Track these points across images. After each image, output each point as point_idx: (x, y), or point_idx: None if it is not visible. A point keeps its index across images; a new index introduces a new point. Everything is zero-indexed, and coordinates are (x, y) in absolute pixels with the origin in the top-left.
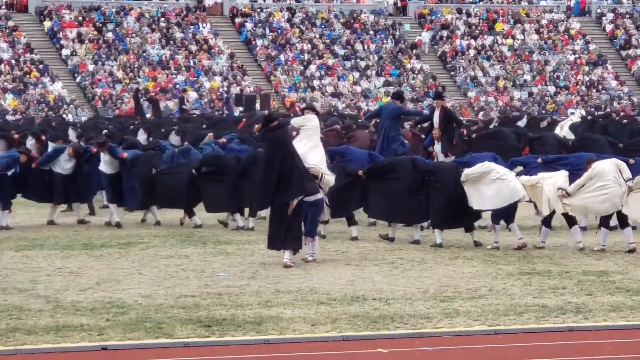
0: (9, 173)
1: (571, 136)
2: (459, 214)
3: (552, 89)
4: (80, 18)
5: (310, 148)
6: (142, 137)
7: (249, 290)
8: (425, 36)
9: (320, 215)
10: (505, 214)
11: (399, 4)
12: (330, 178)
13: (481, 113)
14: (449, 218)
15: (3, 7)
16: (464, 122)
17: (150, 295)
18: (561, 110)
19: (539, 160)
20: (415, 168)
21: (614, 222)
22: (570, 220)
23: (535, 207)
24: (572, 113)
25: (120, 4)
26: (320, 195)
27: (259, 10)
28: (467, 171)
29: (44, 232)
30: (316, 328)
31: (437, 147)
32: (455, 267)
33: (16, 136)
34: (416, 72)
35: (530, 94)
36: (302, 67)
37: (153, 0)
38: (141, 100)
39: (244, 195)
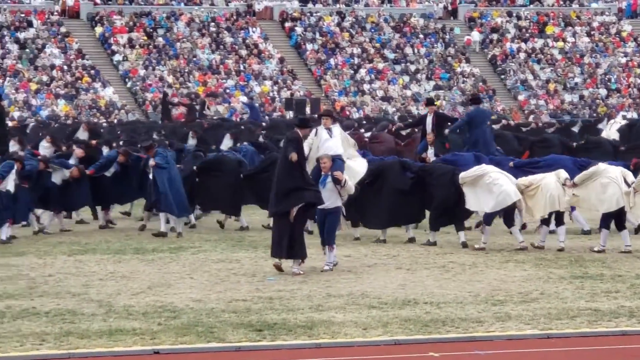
0: (108, 173)
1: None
2: (452, 213)
3: (603, 91)
4: (131, 23)
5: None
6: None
7: (300, 294)
8: (475, 35)
9: (337, 223)
10: (505, 218)
11: (449, 8)
12: (352, 185)
13: (532, 116)
14: (444, 218)
15: (55, 13)
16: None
17: (202, 299)
18: (613, 113)
19: (511, 164)
20: (407, 169)
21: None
22: (559, 220)
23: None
24: (624, 116)
25: (171, 9)
26: (338, 203)
27: (308, 14)
28: (462, 174)
29: (96, 236)
30: (368, 332)
31: (430, 152)
32: (507, 270)
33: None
34: (466, 75)
35: (581, 97)
36: (352, 71)
37: (203, 5)
38: (172, 103)
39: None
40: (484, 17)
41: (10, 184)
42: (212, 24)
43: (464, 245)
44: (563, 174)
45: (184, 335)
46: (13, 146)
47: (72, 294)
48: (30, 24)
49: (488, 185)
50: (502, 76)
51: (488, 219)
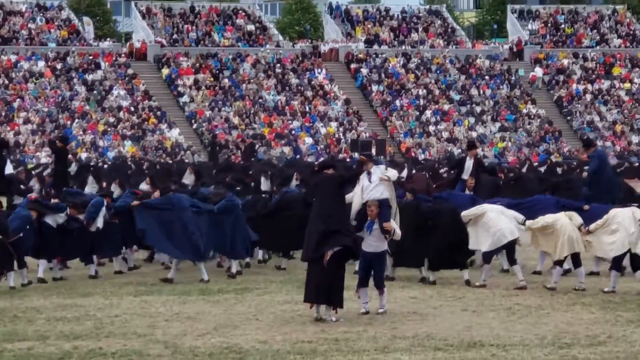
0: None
1: None
2: (455, 254)
3: None
4: (197, 65)
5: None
6: (265, 185)
7: (365, 336)
8: (538, 71)
9: (384, 267)
10: (507, 255)
11: (515, 49)
12: (400, 233)
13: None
14: (446, 259)
15: (123, 55)
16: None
17: (267, 340)
18: None
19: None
20: (419, 211)
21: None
22: (576, 262)
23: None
24: None
25: (237, 50)
26: (384, 247)
27: (374, 55)
28: (464, 213)
29: (161, 277)
30: None
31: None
32: (573, 313)
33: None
34: (532, 117)
35: None
36: (417, 113)
37: (269, 46)
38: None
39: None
40: (550, 58)
41: (100, 220)
42: (278, 65)
43: (467, 283)
44: (577, 218)
45: None
46: (114, 189)
47: (138, 334)
48: (98, 66)
49: (486, 224)
50: (568, 117)
51: (486, 257)
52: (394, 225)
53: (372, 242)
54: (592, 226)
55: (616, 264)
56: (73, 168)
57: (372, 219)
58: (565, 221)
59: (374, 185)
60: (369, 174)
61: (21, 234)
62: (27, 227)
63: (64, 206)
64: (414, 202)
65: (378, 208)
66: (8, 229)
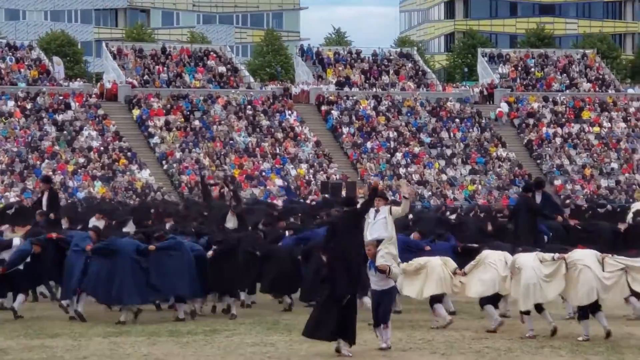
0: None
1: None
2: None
3: None
4: (168, 106)
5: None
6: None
7: None
8: (504, 107)
9: (392, 302)
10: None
11: (485, 92)
12: (397, 271)
13: (567, 201)
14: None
15: (93, 96)
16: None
17: None
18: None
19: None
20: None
21: None
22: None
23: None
24: None
25: (208, 92)
26: (391, 284)
27: (345, 98)
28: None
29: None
30: None
31: None
32: (542, 356)
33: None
34: (502, 160)
35: (617, 182)
36: (388, 155)
37: (240, 88)
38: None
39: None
40: (520, 101)
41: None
42: (249, 106)
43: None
44: (451, 263)
45: None
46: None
47: None
48: (68, 106)
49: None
50: (538, 161)
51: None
52: (389, 263)
53: (376, 280)
54: (467, 267)
55: (484, 302)
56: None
57: (371, 258)
58: (435, 262)
59: (375, 222)
60: (377, 211)
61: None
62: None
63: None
64: None
65: (376, 248)
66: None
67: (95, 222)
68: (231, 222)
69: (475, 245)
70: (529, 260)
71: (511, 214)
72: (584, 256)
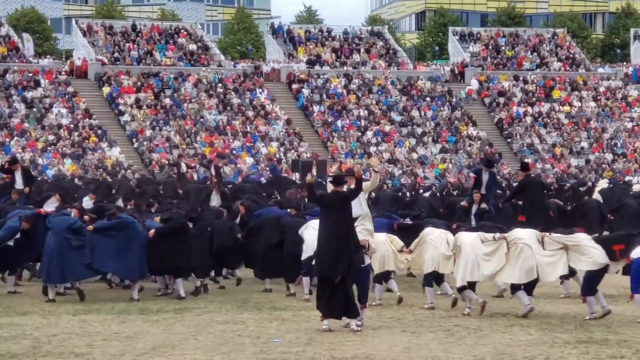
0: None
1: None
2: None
3: (609, 156)
4: (138, 84)
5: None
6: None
7: (304, 356)
8: (474, 84)
9: (369, 281)
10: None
11: (456, 71)
12: (375, 246)
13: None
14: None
15: (63, 73)
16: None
17: None
18: (618, 177)
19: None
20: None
21: None
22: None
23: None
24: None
25: (178, 70)
26: (368, 261)
27: (316, 76)
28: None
29: (100, 296)
30: None
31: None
32: (512, 334)
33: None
34: (473, 138)
35: (587, 162)
36: (359, 134)
37: (211, 66)
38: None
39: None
40: (491, 80)
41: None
42: (220, 85)
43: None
44: (398, 242)
45: None
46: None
47: (75, 354)
48: (37, 84)
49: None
50: (509, 140)
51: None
52: (368, 238)
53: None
54: (412, 245)
55: (426, 280)
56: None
57: None
58: (379, 240)
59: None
60: None
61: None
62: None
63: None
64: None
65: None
66: None
67: (88, 201)
68: (215, 201)
69: (410, 222)
70: (470, 239)
71: (516, 191)
72: (524, 235)
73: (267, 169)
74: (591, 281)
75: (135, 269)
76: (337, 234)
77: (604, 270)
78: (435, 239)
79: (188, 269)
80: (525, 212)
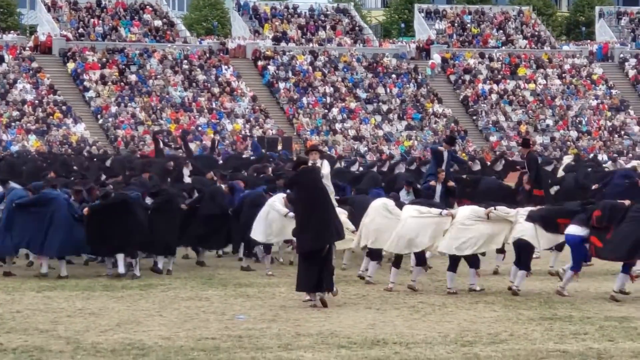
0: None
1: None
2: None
3: (574, 134)
4: (103, 60)
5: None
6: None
7: (269, 333)
8: (437, 58)
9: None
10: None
11: (422, 48)
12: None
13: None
14: None
15: (27, 48)
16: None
17: (171, 337)
18: (583, 155)
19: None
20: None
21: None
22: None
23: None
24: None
25: (144, 46)
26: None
27: (281, 53)
28: None
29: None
30: None
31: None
32: (476, 311)
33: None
34: (438, 116)
35: (552, 139)
36: (324, 110)
37: (176, 42)
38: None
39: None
40: (457, 58)
41: None
42: (185, 61)
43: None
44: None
45: None
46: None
47: (39, 330)
48: (1, 59)
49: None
50: (474, 117)
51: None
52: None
53: None
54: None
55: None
56: None
57: None
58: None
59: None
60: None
61: None
62: None
63: None
64: None
65: None
66: None
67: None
68: (186, 176)
69: (347, 197)
70: (408, 212)
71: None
72: (468, 211)
73: (250, 145)
74: (521, 255)
75: (54, 246)
76: (318, 205)
77: (530, 245)
78: (370, 211)
79: (129, 245)
80: (539, 186)
